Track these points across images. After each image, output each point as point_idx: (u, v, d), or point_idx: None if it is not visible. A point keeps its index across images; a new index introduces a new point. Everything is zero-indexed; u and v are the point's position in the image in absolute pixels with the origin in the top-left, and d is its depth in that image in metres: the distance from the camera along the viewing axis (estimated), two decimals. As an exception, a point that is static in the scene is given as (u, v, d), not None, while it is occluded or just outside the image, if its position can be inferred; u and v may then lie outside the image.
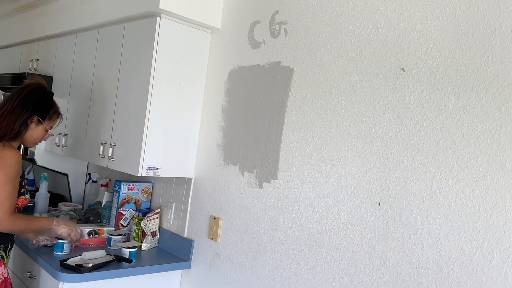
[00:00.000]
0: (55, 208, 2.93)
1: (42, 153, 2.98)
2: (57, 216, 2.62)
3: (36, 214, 2.71)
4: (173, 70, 2.18)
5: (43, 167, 3.05)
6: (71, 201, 3.13)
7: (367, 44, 1.66)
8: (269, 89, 2.00)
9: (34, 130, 1.92)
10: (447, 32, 1.44)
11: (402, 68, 1.55)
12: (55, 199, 3.08)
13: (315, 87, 1.81)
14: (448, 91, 1.42)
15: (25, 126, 1.88)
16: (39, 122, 1.92)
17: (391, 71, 1.58)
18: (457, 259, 1.35)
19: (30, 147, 2.07)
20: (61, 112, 2.07)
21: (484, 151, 1.33)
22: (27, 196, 1.92)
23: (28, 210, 2.78)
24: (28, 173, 3.61)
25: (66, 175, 3.11)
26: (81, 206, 2.98)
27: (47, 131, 1.99)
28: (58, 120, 2.04)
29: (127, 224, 2.52)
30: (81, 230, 2.09)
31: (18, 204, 1.85)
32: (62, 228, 2.01)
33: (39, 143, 2.04)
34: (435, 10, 1.48)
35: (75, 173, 3.16)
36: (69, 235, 2.04)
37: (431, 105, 1.46)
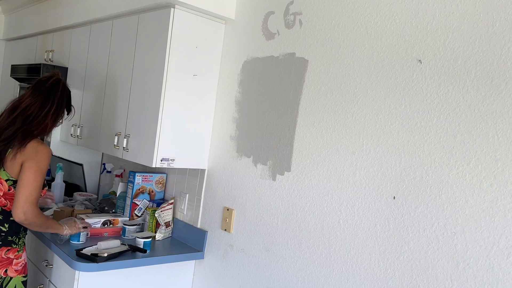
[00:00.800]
0: (71, 198, 2.98)
1: (57, 143, 3.02)
2: (72, 206, 2.66)
3: (53, 204, 2.75)
4: (187, 61, 2.18)
5: (58, 157, 3.09)
6: (86, 191, 3.16)
7: (384, 35, 1.63)
8: (283, 81, 1.98)
9: (58, 124, 2.06)
10: (466, 23, 1.41)
11: (420, 60, 1.52)
12: (71, 188, 3.13)
13: (330, 78, 1.80)
14: (466, 84, 1.40)
15: (55, 122, 2.01)
16: (62, 116, 2.06)
17: (408, 63, 1.55)
18: (473, 254, 1.34)
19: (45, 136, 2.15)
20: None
21: (503, 145, 1.30)
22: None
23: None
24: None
25: (81, 165, 3.15)
26: (95, 196, 3.02)
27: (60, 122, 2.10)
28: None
29: (141, 214, 2.54)
30: (79, 223, 2.13)
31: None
32: (67, 233, 2.07)
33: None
34: (454, 0, 1.44)
35: (90, 163, 3.19)
36: (72, 233, 2.10)
37: (449, 97, 1.43)
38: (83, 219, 2.28)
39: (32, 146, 1.85)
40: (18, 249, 1.86)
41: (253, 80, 2.13)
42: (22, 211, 1.78)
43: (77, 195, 2.94)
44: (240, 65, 2.21)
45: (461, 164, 1.39)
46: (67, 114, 2.10)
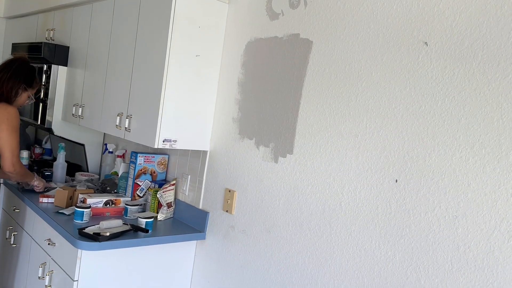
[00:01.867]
0: (72, 178, 2.99)
1: (59, 123, 3.01)
2: (74, 186, 2.68)
3: (53, 184, 2.76)
4: (190, 42, 2.15)
5: (60, 137, 3.08)
6: (87, 171, 3.17)
7: (390, 16, 1.61)
8: (287, 62, 1.96)
9: (21, 96, 2.38)
10: (474, 5, 1.39)
11: (426, 42, 1.50)
12: (72, 168, 3.14)
13: (334, 60, 1.78)
14: (472, 67, 1.38)
15: (16, 92, 2.35)
16: (25, 90, 2.39)
17: (414, 45, 1.53)
18: (474, 238, 1.34)
19: None
20: (39, 82, 2.65)
21: (508, 129, 1.29)
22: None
23: (47, 178, 2.83)
24: (46, 142, 3.67)
25: (83, 145, 3.15)
26: (97, 176, 3.03)
27: (29, 97, 2.44)
28: (37, 88, 2.53)
29: (143, 194, 2.55)
30: (40, 184, 2.56)
31: None
32: (36, 183, 2.55)
33: (20, 107, 2.46)
34: (463, -19, 1.42)
35: (92, 143, 3.19)
36: (37, 187, 2.56)
37: (454, 80, 1.42)
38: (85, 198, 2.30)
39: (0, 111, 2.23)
40: None
41: (257, 62, 2.11)
42: (11, 164, 2.24)
43: (78, 175, 2.95)
44: (243, 46, 2.18)
45: (464, 148, 1.38)
46: (30, 87, 2.41)
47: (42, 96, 2.95)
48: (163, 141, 2.16)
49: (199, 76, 2.23)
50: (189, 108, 2.22)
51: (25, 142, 3.67)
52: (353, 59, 1.71)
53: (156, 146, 2.14)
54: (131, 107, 2.32)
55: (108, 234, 1.97)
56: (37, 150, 3.55)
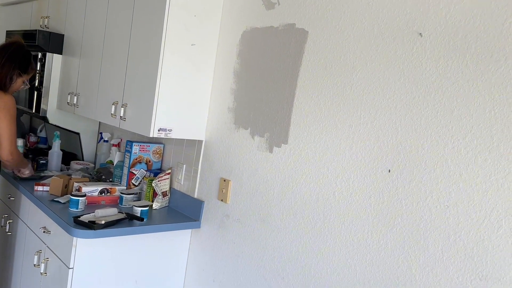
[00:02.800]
0: (68, 166, 2.99)
1: (54, 111, 3.00)
2: (69, 175, 2.68)
3: (49, 172, 2.76)
4: (185, 31, 2.15)
5: (55, 125, 3.08)
6: (83, 160, 3.18)
7: (385, 7, 1.61)
8: (283, 52, 1.96)
9: (16, 82, 2.35)
10: (469, -4, 1.39)
11: (420, 33, 1.51)
12: (68, 157, 3.13)
13: (329, 51, 1.78)
14: (466, 58, 1.39)
15: (11, 79, 2.32)
16: (19, 75, 2.36)
17: (408, 36, 1.54)
18: (464, 227, 1.37)
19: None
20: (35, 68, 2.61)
21: (500, 120, 1.31)
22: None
23: (42, 167, 2.83)
24: (41, 131, 3.66)
25: (78, 134, 3.15)
26: (93, 165, 3.03)
27: (23, 82, 2.41)
28: (33, 74, 2.52)
29: (139, 183, 2.56)
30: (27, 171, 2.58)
31: None
32: (30, 171, 2.59)
33: (14, 93, 2.41)
34: (458, -28, 1.42)
35: (87, 132, 3.19)
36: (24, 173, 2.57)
37: (448, 72, 1.43)
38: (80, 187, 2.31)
39: None
40: None
41: (252, 51, 2.12)
42: (9, 152, 2.25)
43: (74, 164, 2.96)
44: (239, 35, 2.18)
45: (457, 138, 1.40)
46: (25, 73, 2.38)
47: (37, 84, 2.94)
48: (158, 130, 2.16)
49: (195, 65, 2.23)
50: (184, 97, 2.22)
51: (20, 130, 3.66)
52: (348, 50, 1.72)
53: (151, 135, 2.14)
54: (126, 96, 2.31)
55: (103, 222, 1.98)
56: (32, 139, 3.55)
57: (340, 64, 1.74)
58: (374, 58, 1.63)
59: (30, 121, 4.04)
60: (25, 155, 3.06)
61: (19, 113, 3.45)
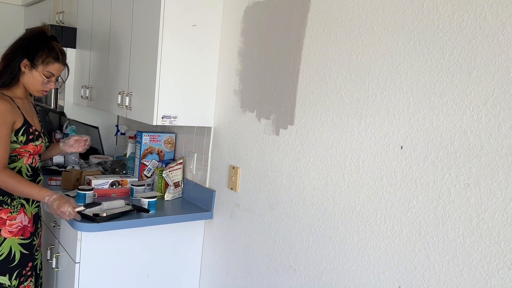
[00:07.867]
0: (87, 161, 2.97)
1: (71, 106, 2.98)
2: (84, 168, 2.64)
3: (69, 167, 2.74)
4: (185, 10, 2.03)
5: (73, 120, 3.07)
6: (103, 154, 3.15)
7: (391, -39, 1.41)
8: (285, 25, 1.80)
9: (29, 76, 1.79)
10: None
11: (431, -13, 1.30)
12: (88, 152, 3.11)
13: (333, 17, 1.60)
14: (484, 9, 1.18)
15: (14, 71, 1.77)
16: (32, 67, 1.78)
17: (417, -8, 1.34)
18: (488, 208, 1.16)
19: (37, 96, 1.95)
20: (61, 58, 1.85)
21: (526, 79, 1.09)
22: (38, 143, 1.84)
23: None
24: (66, 127, 3.68)
25: (97, 128, 3.12)
26: (111, 158, 3.00)
27: (46, 77, 1.81)
28: (58, 67, 1.84)
29: (151, 175, 2.49)
30: (73, 209, 1.78)
31: (30, 152, 1.83)
32: (53, 208, 1.78)
33: (45, 92, 1.87)
34: None
35: (106, 125, 3.16)
36: (59, 215, 1.80)
37: (464, 27, 1.22)
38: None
39: None
40: (11, 211, 1.78)
41: (256, 28, 1.96)
42: None
43: (92, 158, 2.93)
44: (242, 12, 2.04)
45: (476, 105, 1.19)
46: (39, 63, 1.78)
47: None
48: (162, 118, 2.06)
49: (198, 47, 2.10)
50: (189, 82, 2.11)
51: (47, 128, 3.70)
52: (353, 15, 1.53)
53: (154, 123, 2.04)
54: (131, 85, 2.23)
55: (105, 215, 1.91)
56: (58, 136, 3.57)
57: (345, 32, 1.56)
58: (380, 20, 1.44)
59: (59, 119, 4.09)
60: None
61: (45, 111, 3.49)
